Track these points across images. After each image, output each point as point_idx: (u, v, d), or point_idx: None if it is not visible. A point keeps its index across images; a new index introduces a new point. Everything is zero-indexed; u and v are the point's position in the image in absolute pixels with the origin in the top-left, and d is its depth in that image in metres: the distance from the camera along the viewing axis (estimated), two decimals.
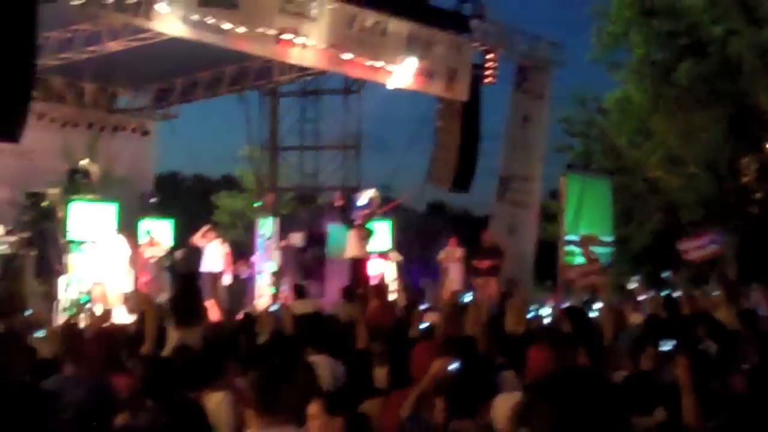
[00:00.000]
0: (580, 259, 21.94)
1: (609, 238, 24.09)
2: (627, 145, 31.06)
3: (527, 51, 23.57)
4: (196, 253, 21.78)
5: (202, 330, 8.75)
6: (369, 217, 21.39)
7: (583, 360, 8.16)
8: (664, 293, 14.01)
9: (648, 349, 8.34)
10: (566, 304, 12.01)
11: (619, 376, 7.23)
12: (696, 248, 22.06)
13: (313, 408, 5.57)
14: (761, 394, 6.57)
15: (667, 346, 7.63)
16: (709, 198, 29.55)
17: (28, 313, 10.68)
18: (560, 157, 31.61)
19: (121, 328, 10.84)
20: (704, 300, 13.36)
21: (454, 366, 6.45)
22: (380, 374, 7.93)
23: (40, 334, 9.92)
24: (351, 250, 20.85)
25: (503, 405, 6.03)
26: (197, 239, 21.68)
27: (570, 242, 22.16)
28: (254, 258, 23.00)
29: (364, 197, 22.74)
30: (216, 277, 21.43)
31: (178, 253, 22.64)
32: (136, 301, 18.16)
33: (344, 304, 14.97)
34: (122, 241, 19.90)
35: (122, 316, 16.46)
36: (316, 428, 5.47)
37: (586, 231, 22.59)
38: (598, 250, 22.40)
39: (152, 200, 24.33)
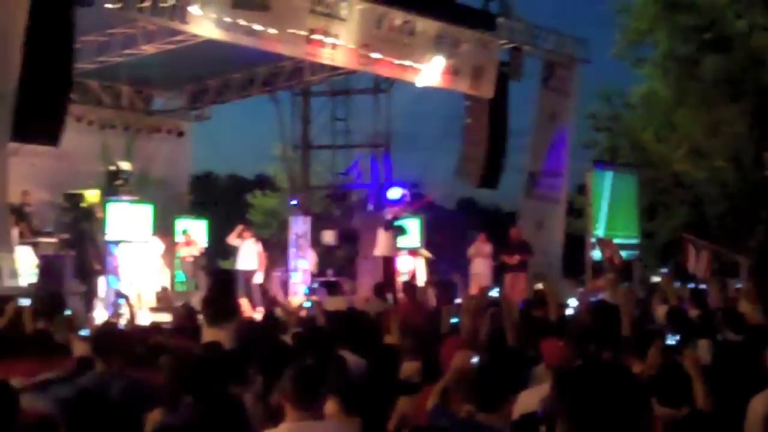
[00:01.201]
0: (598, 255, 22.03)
1: (635, 235, 24.01)
2: (652, 140, 30.86)
3: (553, 48, 23.45)
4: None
5: (235, 327, 8.73)
6: (400, 215, 21.33)
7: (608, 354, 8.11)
8: (690, 286, 13.91)
9: (656, 342, 8.27)
10: (594, 298, 11.88)
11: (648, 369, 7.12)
12: (694, 262, 21.99)
13: (331, 406, 5.55)
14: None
15: (672, 339, 7.57)
16: (733, 191, 29.33)
17: (67, 312, 10.68)
18: (587, 152, 31.51)
19: (156, 326, 10.83)
20: (730, 293, 13.25)
21: (475, 359, 6.42)
22: (410, 369, 7.88)
23: (84, 333, 9.92)
24: (381, 247, 20.78)
25: (527, 399, 5.98)
26: (232, 239, 21.71)
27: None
28: (288, 256, 23.02)
29: (395, 193, 22.72)
30: (250, 275, 21.45)
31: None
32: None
33: (375, 300, 14.93)
34: (157, 241, 19.95)
35: (158, 315, 16.50)
36: (333, 427, 5.45)
37: (614, 229, 22.61)
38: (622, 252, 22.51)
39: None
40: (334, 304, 13.47)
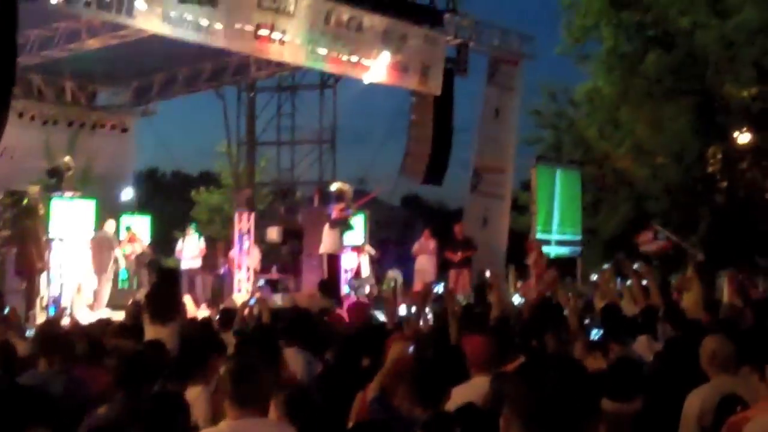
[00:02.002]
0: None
1: (578, 231, 24.25)
2: (596, 137, 31.14)
3: (498, 44, 23.61)
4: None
5: (178, 325, 8.72)
6: (344, 212, 21.32)
7: (552, 348, 8.23)
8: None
9: (580, 337, 8.41)
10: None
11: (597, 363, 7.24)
12: (648, 241, 22.28)
13: (273, 409, 5.55)
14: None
15: (595, 335, 7.70)
16: (675, 187, 29.69)
17: (6, 311, 10.61)
18: (531, 149, 31.73)
19: (99, 324, 10.76)
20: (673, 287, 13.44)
21: (411, 348, 6.48)
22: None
23: (30, 332, 9.86)
24: (327, 244, 20.77)
25: (460, 394, 6.04)
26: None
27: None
28: (232, 253, 22.97)
29: (333, 188, 22.72)
30: (194, 273, 21.43)
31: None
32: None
33: (320, 297, 14.93)
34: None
35: (101, 313, 16.40)
36: (273, 425, 5.46)
37: (557, 224, 22.86)
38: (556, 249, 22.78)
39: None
40: (279, 301, 13.46)
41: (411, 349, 6.86)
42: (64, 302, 17.88)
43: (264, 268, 23.55)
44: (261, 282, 21.68)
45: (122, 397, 5.96)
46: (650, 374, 6.85)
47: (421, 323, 10.06)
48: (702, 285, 12.34)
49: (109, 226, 19.86)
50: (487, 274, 15.20)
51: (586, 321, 9.88)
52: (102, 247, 19.26)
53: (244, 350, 8.12)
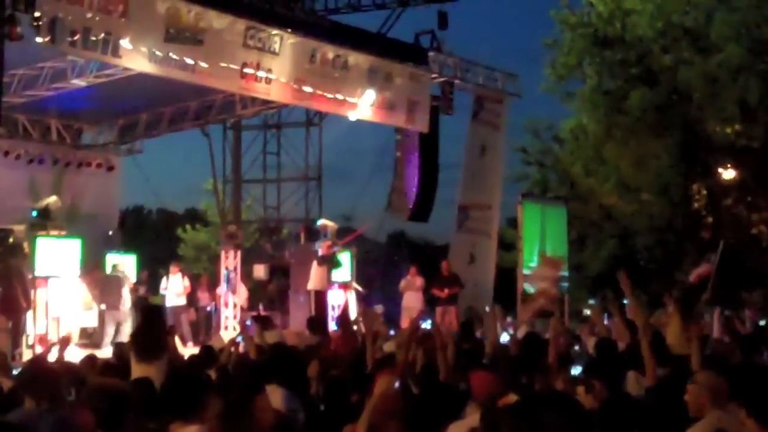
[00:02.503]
0: (532, 290, 22.11)
1: (565, 267, 24.21)
2: (582, 173, 31.23)
3: (483, 82, 23.72)
4: None
5: (165, 363, 8.65)
6: (331, 249, 21.31)
7: (541, 384, 8.20)
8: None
9: (562, 372, 8.41)
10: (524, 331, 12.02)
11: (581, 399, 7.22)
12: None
13: None
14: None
15: (576, 370, 7.70)
16: (661, 224, 29.76)
17: None
18: (517, 186, 31.79)
19: (87, 362, 10.69)
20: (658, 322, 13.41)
21: (397, 383, 6.45)
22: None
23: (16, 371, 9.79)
24: (314, 281, 20.75)
25: (458, 430, 6.01)
26: None
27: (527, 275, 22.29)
28: (219, 290, 22.92)
29: (319, 225, 22.74)
30: (179, 311, 21.39)
31: None
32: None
33: (308, 334, 14.91)
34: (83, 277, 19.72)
35: (85, 352, 16.28)
36: None
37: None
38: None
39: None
40: (266, 338, 13.39)
41: (397, 384, 6.85)
42: (51, 338, 17.76)
43: (251, 305, 23.51)
44: (248, 322, 21.54)
45: None
46: (644, 410, 6.83)
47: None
48: (682, 320, 12.33)
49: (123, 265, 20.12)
50: (487, 308, 15.25)
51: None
52: (113, 286, 19.34)
53: (223, 388, 8.09)
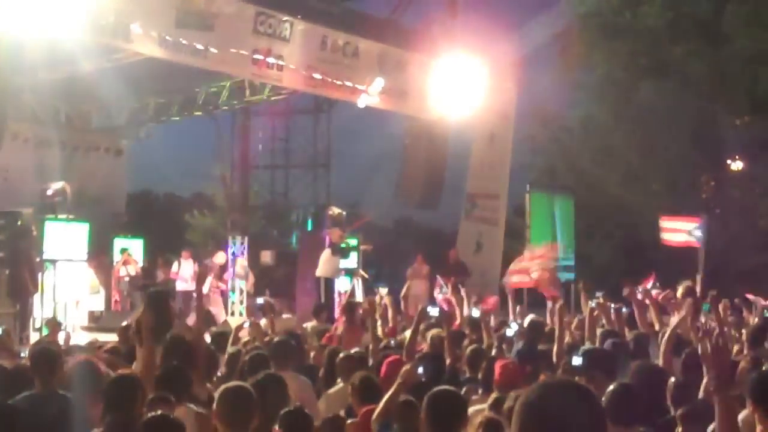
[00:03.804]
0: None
1: (572, 257, 24.15)
2: (590, 163, 31.18)
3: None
4: None
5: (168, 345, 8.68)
6: (340, 235, 21.28)
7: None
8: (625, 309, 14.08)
9: (563, 362, 8.45)
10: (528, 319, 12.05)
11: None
12: (674, 231, 21.80)
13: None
14: None
15: (577, 360, 7.70)
16: (669, 214, 29.69)
17: None
18: (524, 175, 31.73)
19: (92, 346, 10.74)
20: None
21: (420, 371, 6.51)
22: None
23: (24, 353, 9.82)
24: (324, 268, 20.67)
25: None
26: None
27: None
28: (226, 275, 22.94)
29: (329, 212, 22.73)
30: (188, 295, 21.40)
31: None
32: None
33: (314, 321, 14.92)
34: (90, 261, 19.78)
35: (91, 335, 16.32)
36: None
37: (561, 250, 22.67)
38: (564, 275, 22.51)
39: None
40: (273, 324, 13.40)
41: (420, 370, 6.91)
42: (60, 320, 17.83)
43: (257, 291, 23.52)
44: (259, 300, 21.40)
45: (112, 419, 5.94)
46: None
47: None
48: (693, 309, 12.37)
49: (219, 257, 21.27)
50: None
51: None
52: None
53: (237, 374, 8.14)
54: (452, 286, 18.98)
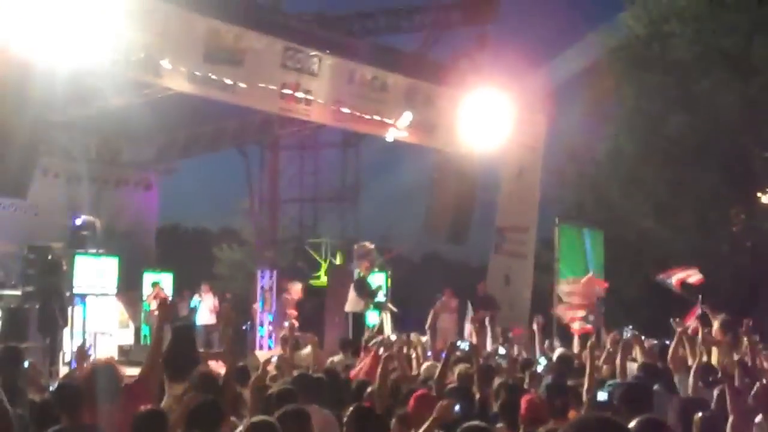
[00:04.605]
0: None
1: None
2: (618, 196, 31.04)
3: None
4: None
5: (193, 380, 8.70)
6: (369, 270, 21.23)
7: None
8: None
9: (585, 399, 8.40)
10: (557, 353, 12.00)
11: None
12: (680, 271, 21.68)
13: None
14: None
15: (602, 396, 7.65)
16: (699, 248, 29.51)
17: (25, 365, 10.61)
18: (553, 208, 31.59)
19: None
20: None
21: (457, 407, 6.49)
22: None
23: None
24: (352, 303, 20.57)
25: None
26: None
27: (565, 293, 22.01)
28: (255, 308, 22.97)
29: (357, 247, 22.70)
30: (210, 329, 21.50)
31: None
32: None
33: (342, 356, 14.86)
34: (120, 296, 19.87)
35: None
36: None
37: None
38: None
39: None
40: (301, 358, 13.39)
41: (457, 408, 6.89)
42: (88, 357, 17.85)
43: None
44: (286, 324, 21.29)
45: None
46: None
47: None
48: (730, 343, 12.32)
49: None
50: (534, 326, 15.23)
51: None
52: None
53: (265, 407, 8.11)
54: (478, 322, 18.90)
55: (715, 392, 8.25)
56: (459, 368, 10.10)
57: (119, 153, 25.88)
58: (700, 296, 16.53)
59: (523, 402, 7.75)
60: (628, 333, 14.39)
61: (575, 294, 21.17)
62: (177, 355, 9.05)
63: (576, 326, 19.23)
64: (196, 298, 22.96)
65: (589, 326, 19.11)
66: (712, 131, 28.93)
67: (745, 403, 7.42)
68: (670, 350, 11.24)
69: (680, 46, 29.01)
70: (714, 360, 12.06)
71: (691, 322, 15.31)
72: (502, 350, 12.13)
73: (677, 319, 12.23)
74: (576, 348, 14.55)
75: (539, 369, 11.58)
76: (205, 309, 22.31)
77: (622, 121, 30.82)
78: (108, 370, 7.27)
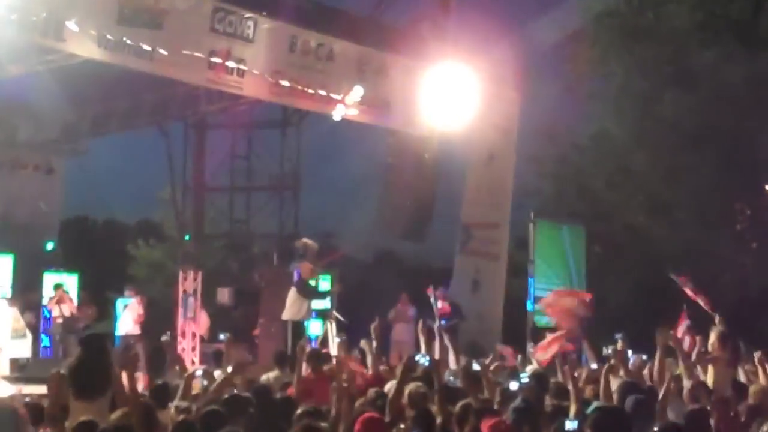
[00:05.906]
0: (545, 320, 21.88)
1: None
2: (604, 187, 31.18)
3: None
4: None
5: (107, 401, 8.65)
6: (311, 270, 21.18)
7: None
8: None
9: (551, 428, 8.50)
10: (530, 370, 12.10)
11: None
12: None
13: None
14: None
15: (571, 425, 7.73)
16: (698, 248, 29.73)
17: None
18: (528, 201, 31.70)
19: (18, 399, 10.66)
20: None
21: None
22: None
23: None
24: (292, 310, 20.39)
25: None
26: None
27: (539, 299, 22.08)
28: (178, 317, 22.88)
29: (297, 244, 22.60)
30: (131, 340, 21.37)
31: None
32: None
33: (277, 371, 14.85)
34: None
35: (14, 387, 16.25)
36: None
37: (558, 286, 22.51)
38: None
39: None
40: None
41: None
42: None
43: (212, 336, 23.42)
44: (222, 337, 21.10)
45: None
46: None
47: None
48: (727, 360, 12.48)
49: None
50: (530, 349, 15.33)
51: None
52: None
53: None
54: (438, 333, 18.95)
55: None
56: (410, 389, 10.03)
57: (15, 131, 25.59)
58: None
59: (484, 428, 7.76)
60: (618, 341, 14.52)
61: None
62: (86, 370, 9.01)
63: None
64: (121, 301, 22.84)
65: (568, 344, 19.22)
66: (714, 113, 29.13)
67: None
68: (656, 365, 11.36)
69: (678, 14, 29.18)
70: (710, 379, 12.23)
71: (682, 333, 15.51)
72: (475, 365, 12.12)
73: (669, 330, 12.38)
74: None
75: (512, 387, 11.60)
76: (128, 316, 22.14)
77: (609, 99, 30.95)
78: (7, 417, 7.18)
